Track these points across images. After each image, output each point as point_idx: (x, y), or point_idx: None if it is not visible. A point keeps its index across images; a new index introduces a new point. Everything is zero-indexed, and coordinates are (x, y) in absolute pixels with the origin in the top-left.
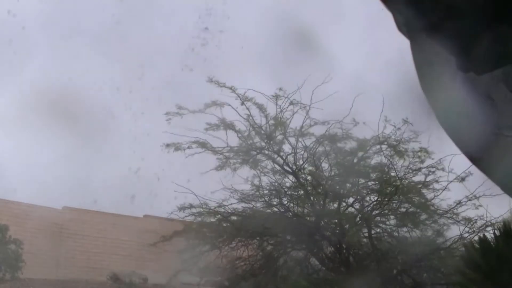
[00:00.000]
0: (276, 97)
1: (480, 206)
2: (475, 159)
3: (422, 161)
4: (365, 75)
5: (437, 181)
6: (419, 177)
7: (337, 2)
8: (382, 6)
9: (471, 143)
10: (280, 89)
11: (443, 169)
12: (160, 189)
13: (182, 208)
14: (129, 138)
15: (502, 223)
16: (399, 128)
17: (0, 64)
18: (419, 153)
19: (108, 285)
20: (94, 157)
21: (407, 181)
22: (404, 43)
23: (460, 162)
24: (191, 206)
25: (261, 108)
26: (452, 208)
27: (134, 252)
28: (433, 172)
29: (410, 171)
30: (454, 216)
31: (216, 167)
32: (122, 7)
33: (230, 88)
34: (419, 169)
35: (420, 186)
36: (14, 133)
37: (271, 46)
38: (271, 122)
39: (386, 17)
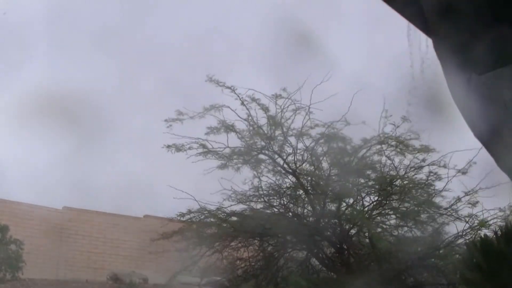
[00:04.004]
0: (276, 97)
1: (478, 202)
2: (487, 145)
3: (424, 160)
4: (365, 75)
5: (438, 179)
6: (420, 175)
7: (338, 2)
8: (384, 6)
9: (485, 131)
10: (284, 89)
11: (444, 166)
12: (160, 190)
13: (181, 215)
14: (129, 138)
15: (504, 223)
16: (398, 126)
17: (0, 64)
18: (420, 151)
19: (108, 285)
20: (94, 157)
21: (408, 179)
22: (403, 43)
23: (460, 160)
24: (190, 212)
25: (263, 108)
26: (452, 204)
27: (134, 252)
28: (434, 170)
29: (411, 169)
30: (454, 213)
31: (216, 167)
32: (122, 7)
33: (230, 88)
34: (421, 167)
35: (422, 183)
36: (14, 133)
37: (272, 46)
38: (271, 122)
39: (386, 17)
